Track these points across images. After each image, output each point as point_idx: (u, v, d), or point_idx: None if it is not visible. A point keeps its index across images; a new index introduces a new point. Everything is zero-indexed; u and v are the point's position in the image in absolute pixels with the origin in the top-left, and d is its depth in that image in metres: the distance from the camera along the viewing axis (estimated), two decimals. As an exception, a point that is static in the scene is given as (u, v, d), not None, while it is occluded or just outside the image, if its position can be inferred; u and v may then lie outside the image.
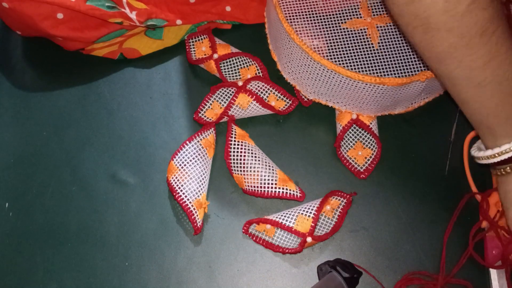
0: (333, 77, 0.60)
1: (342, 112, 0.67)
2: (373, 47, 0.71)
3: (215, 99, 0.71)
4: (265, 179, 0.64)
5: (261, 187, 0.64)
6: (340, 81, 0.60)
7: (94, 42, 0.71)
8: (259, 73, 0.72)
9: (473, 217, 0.65)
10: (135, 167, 0.68)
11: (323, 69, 0.60)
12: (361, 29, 0.73)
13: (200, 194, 0.64)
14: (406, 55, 0.70)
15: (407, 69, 0.69)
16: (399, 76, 0.69)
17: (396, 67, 0.69)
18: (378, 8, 0.74)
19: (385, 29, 0.73)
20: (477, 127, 0.58)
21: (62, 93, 0.73)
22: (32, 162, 0.69)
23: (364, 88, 0.60)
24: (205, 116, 0.70)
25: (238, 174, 0.65)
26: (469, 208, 0.65)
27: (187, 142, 0.67)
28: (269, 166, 0.65)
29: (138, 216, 0.65)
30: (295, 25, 0.73)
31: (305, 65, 0.62)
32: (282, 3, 0.74)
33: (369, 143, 0.68)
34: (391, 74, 0.69)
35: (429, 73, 0.59)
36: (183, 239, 0.64)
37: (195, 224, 0.63)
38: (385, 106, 0.64)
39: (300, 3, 0.74)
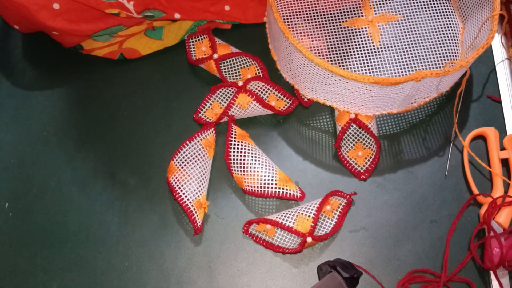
0: (328, 76, 0.60)
1: (341, 112, 0.67)
2: (373, 46, 0.71)
3: (215, 99, 0.71)
4: (265, 179, 0.64)
5: (261, 187, 0.64)
6: (335, 80, 0.60)
7: (91, 36, 0.71)
8: (259, 73, 0.72)
9: (472, 217, 0.65)
10: (135, 167, 0.68)
11: (318, 68, 0.60)
12: (362, 28, 0.73)
13: (200, 194, 0.64)
14: (408, 54, 0.70)
15: (408, 67, 0.69)
16: (401, 75, 0.69)
17: (397, 66, 0.69)
18: (381, 6, 0.74)
19: (386, 28, 0.72)
20: None
21: (62, 93, 0.73)
22: (32, 162, 0.69)
23: (359, 88, 0.60)
24: (205, 116, 0.70)
25: (238, 174, 0.65)
26: (469, 207, 0.65)
27: (187, 142, 0.67)
28: (269, 166, 0.65)
29: (138, 216, 0.65)
30: (295, 24, 0.73)
31: (301, 64, 0.62)
32: (282, 2, 0.74)
33: (368, 143, 0.68)
34: (393, 73, 0.69)
35: (424, 73, 0.59)
36: (183, 239, 0.64)
37: (195, 224, 0.63)
38: (383, 105, 0.64)
39: (300, 2, 0.74)
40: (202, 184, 0.65)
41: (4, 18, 0.70)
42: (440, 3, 0.74)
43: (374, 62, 0.70)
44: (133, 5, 0.67)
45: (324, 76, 0.61)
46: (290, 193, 0.64)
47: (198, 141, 0.67)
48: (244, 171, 0.65)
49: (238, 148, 0.66)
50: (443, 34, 0.72)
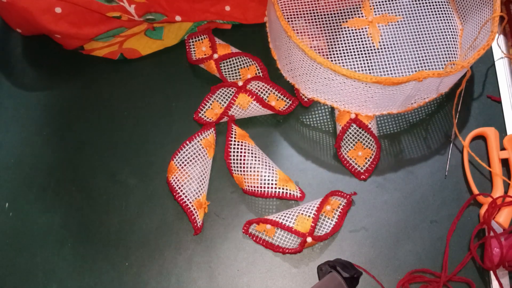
0: (329, 76, 0.60)
1: (341, 112, 0.67)
2: (374, 46, 0.71)
3: (215, 99, 0.71)
4: (265, 179, 0.64)
5: (261, 187, 0.64)
6: (336, 79, 0.60)
7: (93, 39, 0.71)
8: (259, 73, 0.72)
9: (472, 217, 0.65)
10: (135, 167, 0.68)
11: (319, 67, 0.60)
12: (362, 28, 0.73)
13: (200, 194, 0.64)
14: (408, 55, 0.70)
15: (408, 68, 0.69)
16: (401, 76, 0.69)
17: (397, 66, 0.70)
18: (381, 7, 0.74)
19: (386, 29, 0.73)
20: None
21: (62, 93, 0.73)
22: (32, 162, 0.69)
23: (360, 87, 0.60)
24: (205, 116, 0.70)
25: (238, 174, 0.65)
26: (469, 207, 0.65)
27: (187, 142, 0.67)
28: (269, 166, 0.65)
29: (138, 216, 0.65)
30: (295, 24, 0.73)
31: (303, 63, 0.62)
32: (282, 2, 0.74)
33: (368, 143, 0.68)
34: (392, 73, 0.69)
35: (426, 73, 0.59)
36: (183, 239, 0.64)
37: (195, 224, 0.63)
38: (384, 105, 0.64)
39: (300, 2, 0.74)
40: (202, 184, 0.65)
41: (7, 21, 0.70)
42: (439, 5, 0.74)
43: (374, 62, 0.70)
44: (135, 9, 0.67)
45: (324, 76, 0.61)
46: (290, 193, 0.64)
47: (198, 141, 0.67)
48: (244, 171, 0.65)
49: (238, 148, 0.66)
50: (442, 35, 0.72)
